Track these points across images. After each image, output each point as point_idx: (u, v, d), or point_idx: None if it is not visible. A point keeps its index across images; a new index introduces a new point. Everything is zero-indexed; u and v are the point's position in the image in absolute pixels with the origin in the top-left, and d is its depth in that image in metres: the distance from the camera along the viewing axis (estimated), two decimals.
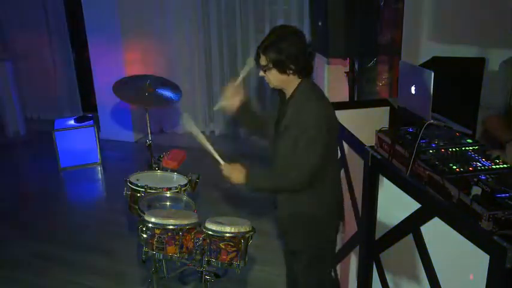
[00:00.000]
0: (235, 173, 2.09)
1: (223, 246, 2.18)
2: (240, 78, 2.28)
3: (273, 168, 2.15)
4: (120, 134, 5.88)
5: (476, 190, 1.71)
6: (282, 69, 1.95)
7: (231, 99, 2.25)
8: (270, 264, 3.28)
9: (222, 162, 2.18)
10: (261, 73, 2.02)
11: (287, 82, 2.01)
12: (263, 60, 1.97)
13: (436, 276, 1.87)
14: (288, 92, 2.05)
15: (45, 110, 6.82)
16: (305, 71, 1.99)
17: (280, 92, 2.12)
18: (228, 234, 2.17)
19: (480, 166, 1.95)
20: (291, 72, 1.96)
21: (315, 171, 1.98)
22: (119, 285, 3.17)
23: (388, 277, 2.31)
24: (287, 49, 1.91)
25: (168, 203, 2.71)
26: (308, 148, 1.93)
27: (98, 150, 5.24)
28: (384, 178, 2.23)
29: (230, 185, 2.18)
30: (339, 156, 2.56)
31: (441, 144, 2.20)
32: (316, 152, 1.95)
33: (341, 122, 2.41)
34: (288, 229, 2.24)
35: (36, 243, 3.72)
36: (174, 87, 3.42)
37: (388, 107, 3.05)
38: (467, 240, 1.63)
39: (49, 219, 4.12)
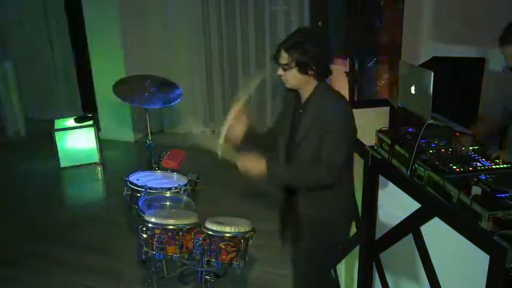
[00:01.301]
0: (254, 163, 2.01)
1: (223, 246, 2.18)
2: (242, 100, 2.18)
3: (296, 164, 2.08)
4: (120, 134, 5.88)
5: (476, 190, 1.71)
6: (304, 69, 1.94)
7: (234, 127, 2.17)
8: (270, 264, 3.28)
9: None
10: (280, 71, 1.99)
11: (305, 83, 1.99)
12: (284, 59, 1.94)
13: (436, 276, 1.87)
14: (304, 93, 2.03)
15: (45, 110, 6.81)
16: (324, 74, 2.00)
17: (295, 96, 2.10)
18: (228, 234, 2.17)
19: (480, 166, 1.95)
20: (312, 73, 1.95)
21: (341, 168, 1.98)
22: (119, 285, 3.17)
23: (388, 277, 2.31)
24: (311, 50, 1.90)
25: (168, 203, 2.71)
26: (336, 144, 1.93)
27: (98, 150, 5.24)
28: (384, 178, 2.23)
29: (249, 181, 2.06)
30: None
31: (441, 144, 2.20)
32: (343, 149, 1.95)
33: None
34: (305, 228, 2.18)
35: (36, 243, 3.72)
36: (174, 87, 3.42)
37: (388, 107, 3.05)
38: (467, 240, 1.63)
39: (49, 219, 4.11)
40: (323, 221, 2.11)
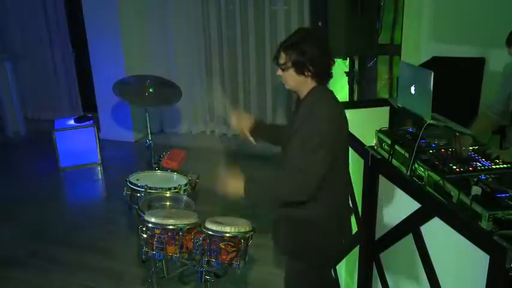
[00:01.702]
0: (234, 185, 1.96)
1: (223, 246, 2.18)
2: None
3: (277, 174, 2.01)
4: (120, 134, 5.88)
5: (476, 190, 1.71)
6: (300, 70, 1.91)
7: (237, 125, 2.27)
8: (270, 264, 3.28)
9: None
10: (279, 72, 1.98)
11: (302, 84, 1.96)
12: (282, 59, 1.93)
13: (436, 276, 1.87)
14: (302, 94, 2.01)
15: (45, 110, 6.82)
16: (323, 76, 1.96)
17: (297, 96, 2.08)
18: (228, 234, 2.17)
19: (480, 166, 1.95)
20: (309, 74, 1.92)
21: (320, 179, 1.86)
22: (118, 285, 3.17)
23: (388, 277, 2.31)
24: (309, 51, 1.88)
25: (168, 203, 2.71)
26: (315, 154, 1.83)
27: (98, 150, 5.24)
28: (384, 178, 2.23)
29: (230, 197, 2.00)
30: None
31: (441, 144, 2.20)
32: (324, 159, 1.84)
33: None
34: (280, 232, 2.16)
35: (36, 243, 3.72)
36: (174, 87, 3.42)
37: (388, 107, 3.05)
38: (467, 240, 1.63)
39: (49, 219, 4.11)
40: (300, 226, 2.05)
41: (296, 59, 1.90)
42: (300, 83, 1.96)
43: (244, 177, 1.97)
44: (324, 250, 2.09)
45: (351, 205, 2.55)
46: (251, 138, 2.27)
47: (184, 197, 2.73)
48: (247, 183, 1.94)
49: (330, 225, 2.03)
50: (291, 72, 1.94)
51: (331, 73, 2.00)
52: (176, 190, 2.73)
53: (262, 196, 2.03)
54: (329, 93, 1.99)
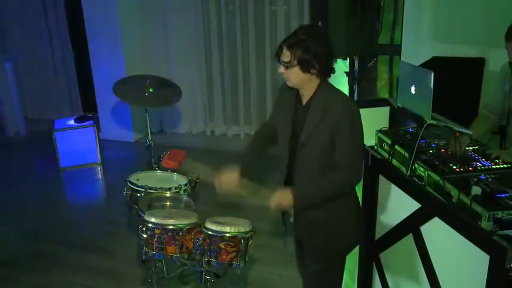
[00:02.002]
0: (283, 198, 1.93)
1: (223, 246, 2.18)
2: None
3: (315, 175, 1.98)
4: (120, 134, 5.88)
5: (476, 190, 1.71)
6: (306, 67, 1.90)
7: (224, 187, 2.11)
8: (270, 264, 3.28)
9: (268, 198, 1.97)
10: (281, 69, 1.95)
11: (307, 82, 1.95)
12: (286, 57, 1.91)
13: (436, 276, 1.87)
14: (306, 92, 1.99)
15: (45, 110, 6.82)
16: (327, 72, 1.96)
17: (295, 94, 2.06)
18: (228, 234, 2.17)
19: (480, 166, 1.95)
20: (314, 72, 1.91)
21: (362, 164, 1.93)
22: (118, 285, 3.17)
23: (388, 277, 2.31)
24: (314, 48, 1.87)
25: (168, 203, 2.71)
26: (355, 142, 1.89)
27: (98, 150, 5.24)
28: (384, 178, 2.23)
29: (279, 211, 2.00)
30: None
31: (441, 144, 2.19)
32: (361, 145, 1.91)
33: None
34: (316, 236, 2.10)
35: (35, 243, 3.72)
36: (174, 87, 3.42)
37: (388, 107, 3.04)
38: (467, 240, 1.63)
39: (49, 219, 4.11)
40: (329, 226, 2.05)
41: (302, 57, 1.88)
42: (304, 81, 1.95)
43: (287, 187, 1.97)
44: (355, 242, 2.15)
45: None
46: (244, 193, 2.12)
47: (184, 197, 2.73)
48: (293, 189, 1.93)
49: (360, 214, 2.12)
50: (296, 69, 1.92)
51: (334, 69, 1.99)
52: (176, 190, 2.73)
53: (310, 196, 1.99)
54: (336, 88, 2.01)
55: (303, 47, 1.88)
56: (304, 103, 2.02)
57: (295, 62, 1.90)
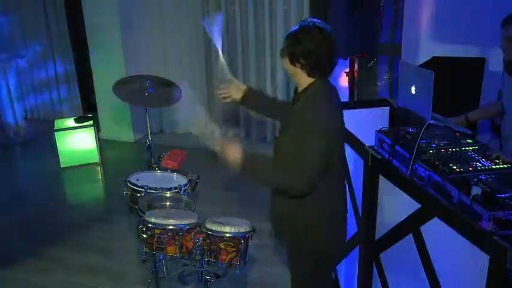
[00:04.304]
0: (232, 151, 1.99)
1: (223, 247, 2.18)
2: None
3: (273, 160, 2.03)
4: (120, 134, 5.88)
5: (476, 190, 1.71)
6: (292, 60, 1.92)
7: (229, 93, 2.36)
8: (270, 264, 3.28)
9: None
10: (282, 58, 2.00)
11: (296, 75, 1.95)
12: (283, 45, 1.95)
13: (436, 276, 1.87)
14: (300, 87, 2.00)
15: (45, 110, 6.82)
16: (317, 70, 1.91)
17: (294, 89, 2.07)
18: (228, 234, 2.17)
19: (480, 166, 1.95)
20: (299, 65, 1.91)
21: (314, 177, 1.84)
22: (119, 285, 3.17)
23: (388, 277, 2.31)
24: (303, 42, 1.87)
25: (168, 203, 2.71)
26: (309, 150, 1.83)
27: (98, 150, 5.24)
28: (384, 178, 2.23)
29: (226, 167, 1.99)
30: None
31: (441, 144, 2.19)
32: (319, 150, 1.83)
33: None
34: (284, 229, 2.13)
35: (35, 243, 3.72)
36: (174, 87, 3.42)
37: (388, 107, 3.04)
38: (467, 240, 1.63)
39: (49, 219, 4.11)
40: (302, 223, 2.02)
41: (291, 49, 1.91)
42: (293, 73, 1.97)
43: (243, 150, 1.97)
44: (321, 252, 2.05)
45: (351, 204, 2.55)
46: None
47: (184, 197, 2.73)
48: (245, 153, 1.95)
49: (325, 226, 2.02)
50: (286, 60, 1.95)
51: (329, 69, 1.94)
52: (176, 190, 2.73)
53: (256, 175, 1.98)
54: (328, 89, 1.96)
55: (294, 40, 1.89)
56: (297, 96, 2.02)
57: (285, 51, 1.94)
